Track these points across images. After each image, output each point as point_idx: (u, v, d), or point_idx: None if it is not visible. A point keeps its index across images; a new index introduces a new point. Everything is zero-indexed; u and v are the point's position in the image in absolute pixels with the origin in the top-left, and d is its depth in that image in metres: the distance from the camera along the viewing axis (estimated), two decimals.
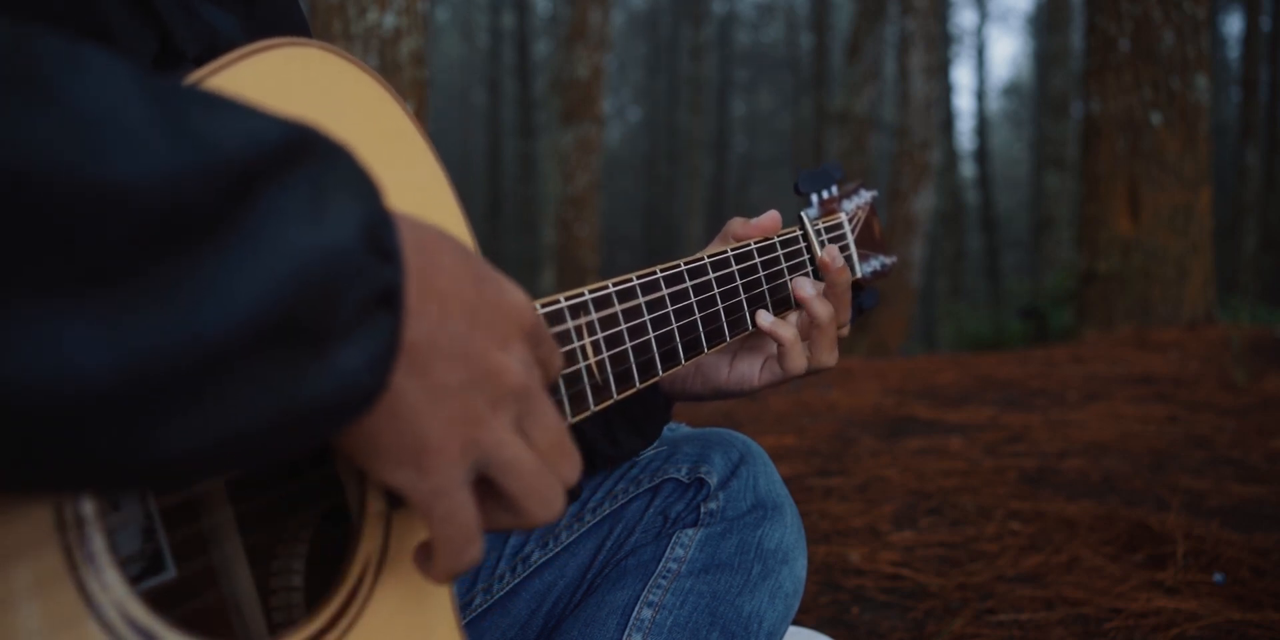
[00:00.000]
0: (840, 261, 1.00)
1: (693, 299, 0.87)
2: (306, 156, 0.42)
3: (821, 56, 21.18)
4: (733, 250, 0.93)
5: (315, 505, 0.64)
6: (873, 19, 11.89)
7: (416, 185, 0.64)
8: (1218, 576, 1.93)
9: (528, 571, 1.00)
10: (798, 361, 0.96)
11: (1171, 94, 6.31)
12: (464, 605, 1.00)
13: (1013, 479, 2.78)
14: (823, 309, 0.97)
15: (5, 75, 0.34)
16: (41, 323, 0.33)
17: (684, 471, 1.01)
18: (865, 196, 1.19)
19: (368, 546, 0.58)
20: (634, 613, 0.91)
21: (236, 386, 0.38)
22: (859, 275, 1.12)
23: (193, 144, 0.38)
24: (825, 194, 1.13)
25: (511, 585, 1.00)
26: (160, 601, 0.50)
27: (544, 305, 0.67)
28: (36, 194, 0.33)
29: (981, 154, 27.31)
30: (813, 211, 1.11)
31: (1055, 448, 3.17)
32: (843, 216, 1.12)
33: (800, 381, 4.53)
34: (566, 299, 0.70)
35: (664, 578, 0.93)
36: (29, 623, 0.39)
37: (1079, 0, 15.40)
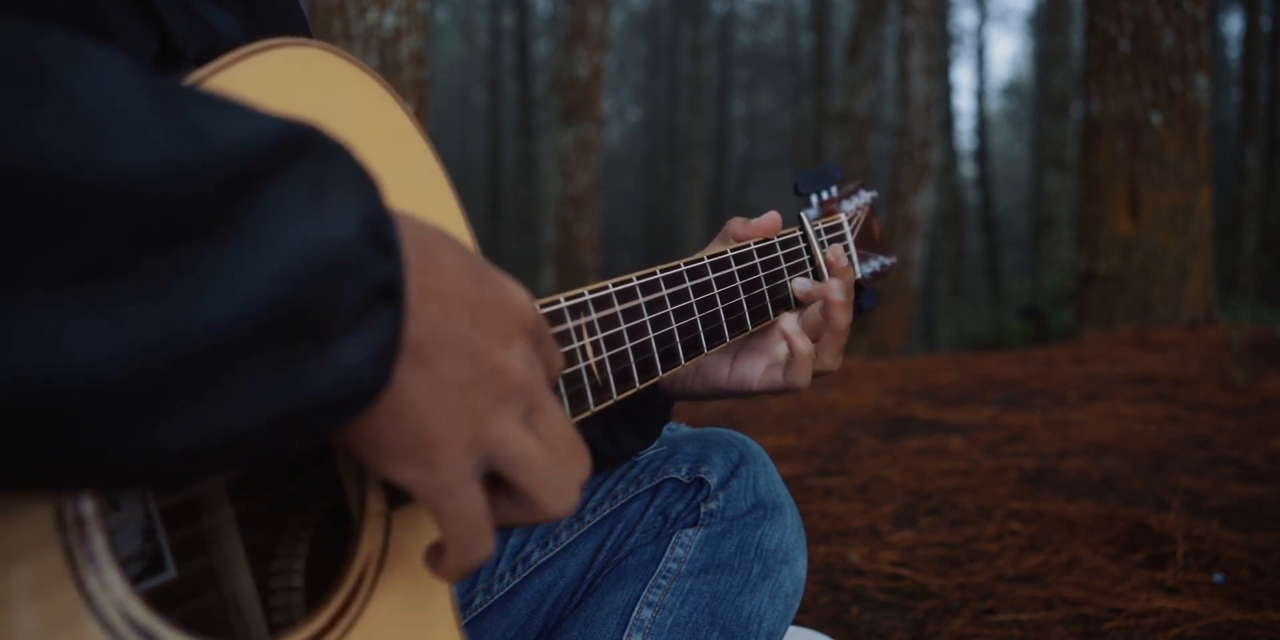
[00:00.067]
0: (845, 261, 1.01)
1: (692, 299, 0.87)
2: (306, 153, 0.43)
3: (821, 56, 21.17)
4: (732, 251, 0.93)
5: (315, 505, 0.64)
6: (873, 19, 11.89)
7: (416, 185, 0.64)
8: (1218, 576, 1.93)
9: (528, 571, 1.00)
10: (803, 375, 0.97)
11: (1171, 94, 6.31)
12: (464, 605, 1.00)
13: (1013, 479, 2.78)
14: (842, 315, 0.97)
15: (6, 72, 0.34)
16: (42, 317, 0.33)
17: (684, 471, 1.01)
18: (865, 197, 1.19)
19: (368, 546, 0.58)
20: (634, 613, 0.91)
21: (238, 382, 0.38)
22: (859, 276, 1.13)
23: (194, 140, 0.38)
24: (825, 194, 1.13)
25: (511, 585, 1.00)
26: (160, 601, 0.50)
27: (544, 305, 0.67)
28: (38, 188, 0.33)
29: (981, 154, 27.31)
30: (812, 212, 1.11)
31: (1055, 448, 3.17)
32: (842, 217, 1.12)
33: None
34: (566, 299, 0.70)
35: (664, 578, 0.93)
36: (29, 623, 0.39)
37: (1079, 0, 15.39)
